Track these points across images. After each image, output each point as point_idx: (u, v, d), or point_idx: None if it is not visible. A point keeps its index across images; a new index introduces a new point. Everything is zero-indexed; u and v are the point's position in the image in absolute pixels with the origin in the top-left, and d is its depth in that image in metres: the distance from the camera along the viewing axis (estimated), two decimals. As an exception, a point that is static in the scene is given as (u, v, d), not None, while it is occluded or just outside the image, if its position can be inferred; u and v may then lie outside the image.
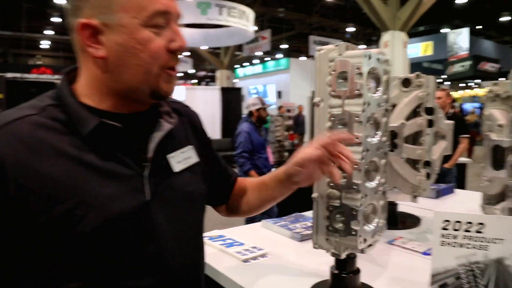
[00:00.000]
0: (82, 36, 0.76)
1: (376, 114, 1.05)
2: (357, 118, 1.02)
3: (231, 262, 1.36)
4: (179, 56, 0.83)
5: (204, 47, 17.02)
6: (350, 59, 1.02)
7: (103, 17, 0.75)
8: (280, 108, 11.05)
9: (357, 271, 1.11)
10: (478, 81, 19.53)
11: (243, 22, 12.22)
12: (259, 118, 3.84)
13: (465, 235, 0.95)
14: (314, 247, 1.07)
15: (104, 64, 0.77)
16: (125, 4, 0.75)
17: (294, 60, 16.83)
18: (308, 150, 0.92)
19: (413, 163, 1.69)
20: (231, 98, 11.95)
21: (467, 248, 0.95)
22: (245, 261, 1.37)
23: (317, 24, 18.12)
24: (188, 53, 20.53)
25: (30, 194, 0.70)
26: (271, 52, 18.65)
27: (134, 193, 0.79)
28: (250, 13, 12.23)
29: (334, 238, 1.03)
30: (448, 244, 0.96)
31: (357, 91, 1.01)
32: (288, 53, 20.83)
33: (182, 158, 0.90)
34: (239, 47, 18.01)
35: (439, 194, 2.31)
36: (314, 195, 1.03)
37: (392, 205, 1.83)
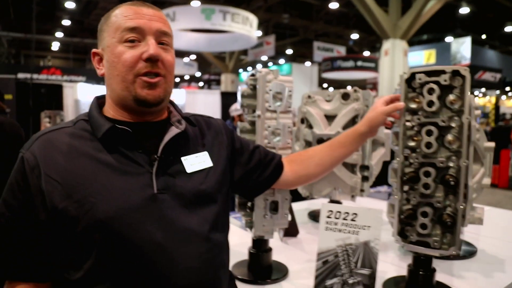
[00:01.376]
0: (93, 61, 0.98)
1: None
2: (289, 128, 1.32)
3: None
4: (159, 64, 0.92)
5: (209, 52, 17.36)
6: (285, 83, 1.30)
7: (102, 44, 0.95)
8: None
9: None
10: (483, 90, 19.51)
11: (246, 28, 12.47)
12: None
13: (343, 223, 1.19)
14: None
15: (105, 80, 0.96)
16: (108, 29, 0.93)
17: (297, 66, 17.02)
18: (380, 107, 1.18)
19: (350, 166, 1.93)
20: (231, 102, 12.17)
21: (344, 232, 1.18)
22: None
23: (321, 30, 18.32)
24: (194, 57, 20.89)
25: (56, 185, 0.85)
26: (275, 57, 18.86)
27: (143, 187, 0.89)
28: (253, 19, 12.47)
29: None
30: (330, 229, 1.20)
31: (289, 108, 1.31)
32: (293, 58, 21.06)
33: (196, 162, 0.99)
34: (244, 52, 18.29)
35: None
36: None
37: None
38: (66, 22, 16.08)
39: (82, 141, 0.90)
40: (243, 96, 1.33)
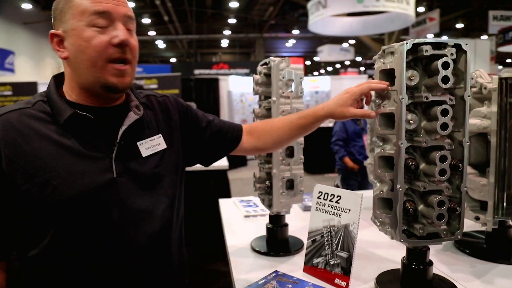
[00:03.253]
0: (52, 44, 0.94)
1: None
2: None
3: (238, 214, 1.97)
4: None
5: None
6: (295, 70, 1.39)
7: (63, 26, 0.92)
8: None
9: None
10: None
11: (402, 6, 11.54)
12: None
13: (329, 204, 1.21)
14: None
15: (69, 63, 0.93)
16: (73, 11, 0.90)
17: (464, 41, 14.87)
18: (351, 108, 1.09)
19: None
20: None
21: (329, 214, 1.20)
22: (246, 216, 1.91)
23: (501, -4, 15.52)
24: (353, 42, 20.45)
25: (17, 167, 0.86)
26: (439, 34, 16.91)
27: (103, 171, 0.92)
28: (410, -4, 11.49)
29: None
30: (319, 210, 1.24)
31: (300, 93, 1.39)
32: (465, 33, 18.48)
33: (151, 145, 1.02)
34: (405, 31, 16.96)
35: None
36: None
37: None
38: (231, 20, 17.85)
39: (41, 123, 0.91)
40: (257, 83, 1.43)
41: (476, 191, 1.32)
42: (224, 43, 20.95)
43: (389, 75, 1.04)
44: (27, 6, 13.20)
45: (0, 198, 0.87)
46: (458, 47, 1.00)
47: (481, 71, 1.35)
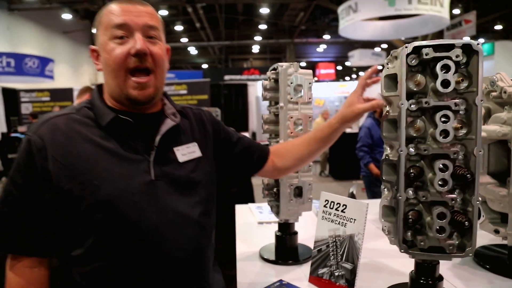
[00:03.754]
0: (92, 57, 1.04)
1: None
2: (310, 118, 1.38)
3: (251, 220, 1.97)
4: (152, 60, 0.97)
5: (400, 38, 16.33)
6: (304, 75, 1.37)
7: (97, 41, 1.01)
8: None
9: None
10: None
11: (436, 8, 11.22)
12: (381, 114, 3.86)
13: (335, 213, 1.18)
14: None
15: (103, 75, 1.01)
16: (102, 27, 0.98)
17: (501, 43, 14.23)
18: (357, 104, 1.14)
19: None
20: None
21: (335, 223, 1.17)
22: (259, 223, 1.90)
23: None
24: (385, 46, 20.04)
25: (62, 167, 0.91)
26: (475, 37, 16.28)
27: (142, 173, 0.95)
28: (444, -3, 11.14)
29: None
30: (325, 219, 1.21)
31: (309, 99, 1.37)
32: (505, 35, 17.70)
33: (187, 152, 1.05)
34: (439, 34, 16.46)
35: None
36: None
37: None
38: (262, 26, 17.95)
39: (85, 127, 0.96)
40: (265, 89, 1.42)
41: (496, 202, 1.24)
42: (255, 49, 21.08)
43: (393, 79, 1.00)
44: (67, 16, 13.83)
45: (44, 197, 0.91)
46: (468, 48, 0.93)
47: (502, 74, 1.27)
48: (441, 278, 1.03)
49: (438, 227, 0.93)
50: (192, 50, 20.94)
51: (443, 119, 0.92)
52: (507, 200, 1.19)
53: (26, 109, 9.77)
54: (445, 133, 0.92)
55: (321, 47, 21.22)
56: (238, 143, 1.22)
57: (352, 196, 1.78)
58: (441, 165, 0.93)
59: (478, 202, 0.94)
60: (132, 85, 0.96)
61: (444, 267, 1.30)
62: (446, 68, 0.92)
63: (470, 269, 1.29)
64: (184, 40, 18.80)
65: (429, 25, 12.82)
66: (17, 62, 9.42)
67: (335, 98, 11.69)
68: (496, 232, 1.25)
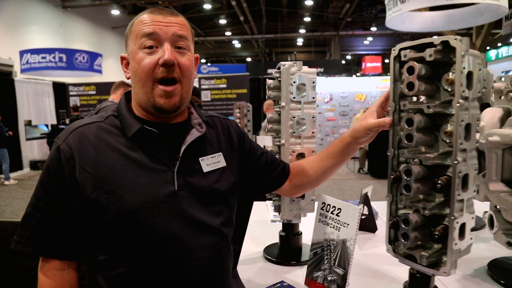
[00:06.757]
0: (122, 65, 1.06)
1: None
2: (313, 118, 1.35)
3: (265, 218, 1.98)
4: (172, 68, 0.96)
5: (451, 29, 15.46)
6: (307, 74, 1.35)
7: (127, 49, 1.03)
8: None
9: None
10: None
11: (493, -3, 10.54)
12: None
13: (330, 217, 1.15)
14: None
15: (131, 83, 1.02)
16: (132, 36, 1.00)
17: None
18: (369, 118, 1.08)
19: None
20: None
21: (330, 227, 1.14)
22: (272, 221, 1.91)
23: None
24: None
25: (88, 176, 0.92)
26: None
27: (166, 184, 0.96)
28: (503, -15, 10.39)
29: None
30: (322, 222, 1.18)
31: (312, 98, 1.35)
32: None
33: (211, 162, 1.05)
34: (497, 24, 15.37)
35: None
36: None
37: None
38: (307, 19, 17.70)
39: (112, 136, 0.98)
40: (269, 88, 1.40)
41: (510, 212, 1.15)
42: (299, 42, 20.84)
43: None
44: (115, 12, 14.41)
45: (71, 203, 0.93)
46: (446, 44, 0.85)
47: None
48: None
49: (402, 233, 0.91)
50: (236, 44, 21.09)
51: (408, 123, 0.89)
52: (521, 210, 1.11)
53: (74, 102, 10.34)
54: (409, 137, 0.89)
55: (368, 40, 20.59)
56: (263, 155, 1.22)
57: (365, 197, 1.72)
58: (406, 170, 0.90)
59: (453, 218, 0.87)
60: (159, 93, 0.97)
61: (452, 278, 1.24)
62: (410, 71, 0.88)
63: (481, 283, 1.21)
64: (228, 33, 18.96)
65: (485, 14, 11.96)
66: (68, 57, 9.94)
67: (377, 93, 11.31)
68: (509, 244, 1.16)
